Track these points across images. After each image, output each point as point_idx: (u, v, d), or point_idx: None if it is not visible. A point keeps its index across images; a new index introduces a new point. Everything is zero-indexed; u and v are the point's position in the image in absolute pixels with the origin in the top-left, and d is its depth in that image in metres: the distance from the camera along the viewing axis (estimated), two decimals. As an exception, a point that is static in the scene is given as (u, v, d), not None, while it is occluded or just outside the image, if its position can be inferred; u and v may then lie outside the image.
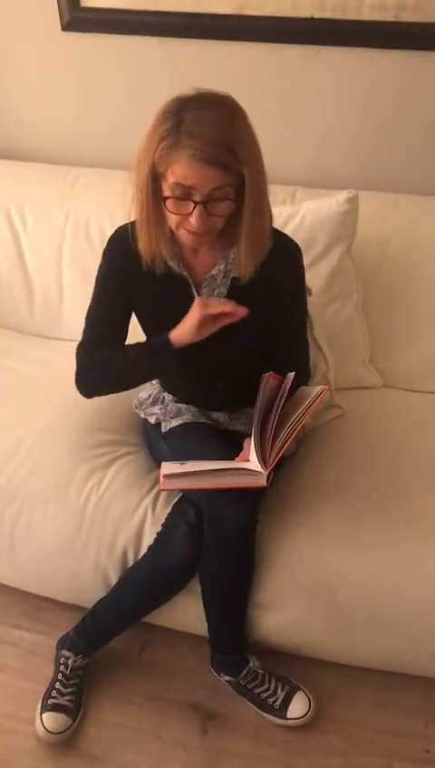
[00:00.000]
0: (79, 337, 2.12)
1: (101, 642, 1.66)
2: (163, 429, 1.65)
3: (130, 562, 1.61)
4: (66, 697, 1.60)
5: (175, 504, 1.56)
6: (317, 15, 1.85)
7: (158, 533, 1.55)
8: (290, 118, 1.99)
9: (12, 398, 1.87)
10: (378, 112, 1.96)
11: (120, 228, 1.52)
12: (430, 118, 1.94)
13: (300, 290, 1.57)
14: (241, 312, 1.39)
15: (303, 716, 1.59)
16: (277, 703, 1.59)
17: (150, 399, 1.72)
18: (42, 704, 1.59)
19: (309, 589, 1.54)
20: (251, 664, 1.62)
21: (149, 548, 1.56)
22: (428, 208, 1.93)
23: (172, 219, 1.35)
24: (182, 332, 1.43)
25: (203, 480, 1.42)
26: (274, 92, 1.93)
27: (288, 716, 1.58)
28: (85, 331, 1.58)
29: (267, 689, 1.60)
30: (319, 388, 1.41)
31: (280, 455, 1.37)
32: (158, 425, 1.67)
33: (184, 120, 1.24)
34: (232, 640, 1.62)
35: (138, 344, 1.53)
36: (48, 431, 1.76)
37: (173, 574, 1.55)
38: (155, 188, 1.33)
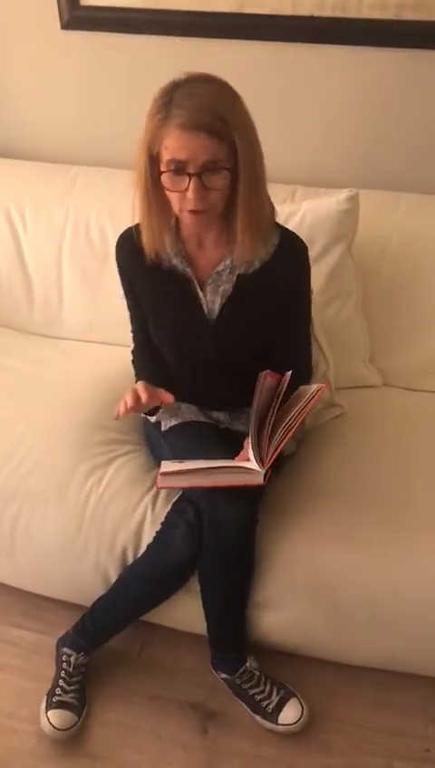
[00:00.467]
0: (79, 336, 2.15)
1: (101, 640, 1.66)
2: (163, 428, 1.65)
3: (130, 561, 1.61)
4: (70, 695, 1.60)
5: (174, 502, 1.56)
6: (317, 14, 1.85)
7: (157, 532, 1.55)
8: (290, 116, 1.99)
9: (11, 398, 1.87)
10: (378, 111, 1.96)
11: (122, 233, 1.55)
12: (431, 116, 1.93)
13: (305, 287, 1.57)
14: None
15: (294, 723, 1.57)
16: (270, 706, 1.58)
17: None
18: (46, 702, 1.59)
19: (309, 588, 1.54)
20: (248, 664, 1.61)
21: (149, 547, 1.56)
22: (428, 207, 1.93)
23: (174, 201, 1.35)
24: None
25: (200, 478, 1.42)
26: (274, 91, 1.93)
27: (279, 722, 1.57)
28: (133, 333, 1.67)
29: (262, 691, 1.59)
30: (316, 386, 1.41)
31: (277, 453, 1.36)
32: (158, 424, 1.67)
33: (174, 97, 1.27)
34: (231, 639, 1.62)
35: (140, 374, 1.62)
36: (48, 430, 1.76)
37: (172, 573, 1.55)
38: (154, 175, 1.34)
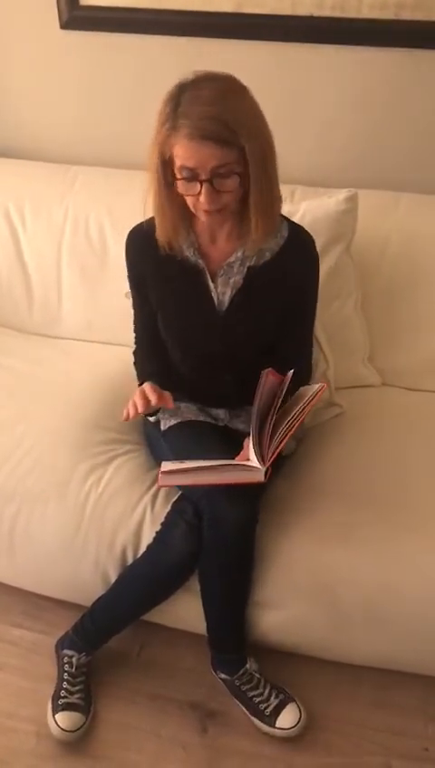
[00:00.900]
0: (78, 336, 2.15)
1: (102, 641, 1.66)
2: (162, 428, 1.65)
3: (130, 561, 1.61)
4: (76, 695, 1.60)
5: (174, 502, 1.56)
6: (317, 14, 1.85)
7: (157, 532, 1.55)
8: (289, 116, 1.99)
9: (11, 397, 1.87)
10: (378, 111, 1.96)
11: (131, 229, 1.57)
12: (430, 116, 1.94)
13: (314, 279, 1.58)
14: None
15: (291, 728, 1.56)
16: (268, 710, 1.58)
17: None
18: (52, 705, 1.59)
19: (308, 587, 1.54)
20: (248, 666, 1.61)
21: (148, 547, 1.56)
22: (427, 207, 1.93)
23: (189, 202, 1.38)
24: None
25: (201, 476, 1.42)
26: (273, 91, 1.92)
27: (277, 725, 1.57)
28: (135, 331, 1.69)
29: (260, 694, 1.59)
30: (317, 385, 1.41)
31: (278, 451, 1.37)
32: (157, 423, 1.68)
33: (181, 103, 1.29)
34: (231, 639, 1.62)
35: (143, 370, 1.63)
36: (47, 430, 1.76)
37: (172, 573, 1.55)
38: (166, 174, 1.36)
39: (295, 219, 1.80)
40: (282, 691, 1.61)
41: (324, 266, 1.83)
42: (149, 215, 1.47)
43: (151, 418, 1.67)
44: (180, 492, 1.57)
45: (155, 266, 1.52)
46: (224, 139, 1.27)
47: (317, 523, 1.57)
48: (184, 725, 1.62)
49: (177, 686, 1.69)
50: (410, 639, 1.55)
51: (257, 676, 1.61)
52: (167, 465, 1.45)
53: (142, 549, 1.58)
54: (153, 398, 1.44)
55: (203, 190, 1.32)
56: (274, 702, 1.59)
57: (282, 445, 1.37)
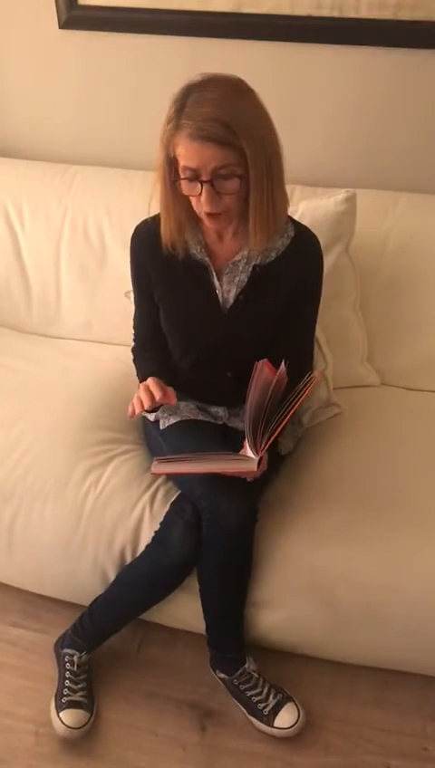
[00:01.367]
0: (77, 335, 2.15)
1: (101, 640, 1.66)
2: (161, 427, 1.65)
3: (128, 560, 1.61)
4: (79, 693, 1.60)
5: (173, 502, 1.56)
6: (315, 14, 1.86)
7: (156, 532, 1.55)
8: (288, 116, 1.97)
9: (10, 397, 1.87)
10: (376, 111, 1.96)
11: (137, 225, 1.57)
12: (429, 116, 1.94)
13: (318, 280, 1.59)
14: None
15: (289, 728, 1.56)
16: (267, 709, 1.58)
17: None
18: (56, 704, 1.59)
19: (307, 587, 1.54)
20: (247, 665, 1.61)
21: (147, 546, 1.56)
22: (426, 207, 1.93)
23: (193, 203, 1.39)
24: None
25: (194, 465, 1.42)
26: (271, 91, 1.91)
27: (275, 725, 1.57)
28: (134, 326, 1.69)
29: (259, 693, 1.59)
30: (310, 376, 1.42)
31: (270, 441, 1.37)
32: (156, 422, 1.68)
33: (186, 104, 1.29)
34: (230, 639, 1.62)
35: (146, 367, 1.63)
36: (46, 429, 1.76)
37: (171, 572, 1.55)
38: (170, 173, 1.37)
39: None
40: (280, 691, 1.61)
41: (323, 266, 1.83)
42: (154, 212, 1.48)
43: (151, 416, 1.68)
44: (179, 491, 1.57)
45: (160, 262, 1.53)
46: (225, 141, 1.28)
47: (316, 522, 1.57)
48: (182, 724, 1.62)
49: (175, 684, 1.69)
50: (409, 639, 1.55)
51: (256, 675, 1.61)
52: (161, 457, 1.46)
53: (141, 548, 1.58)
54: (157, 394, 1.45)
55: (203, 191, 1.33)
56: (272, 702, 1.59)
57: (276, 434, 1.37)
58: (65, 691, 1.59)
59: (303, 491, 1.64)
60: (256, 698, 1.59)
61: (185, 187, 1.36)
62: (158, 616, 1.67)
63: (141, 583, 1.59)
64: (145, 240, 1.55)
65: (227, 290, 1.53)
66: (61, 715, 1.57)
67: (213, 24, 1.93)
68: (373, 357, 1.96)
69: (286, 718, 1.57)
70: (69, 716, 1.56)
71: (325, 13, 1.85)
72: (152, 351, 1.66)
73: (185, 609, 1.63)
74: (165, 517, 1.55)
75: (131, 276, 1.62)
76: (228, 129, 1.27)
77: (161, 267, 1.54)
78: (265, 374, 1.41)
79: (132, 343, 1.71)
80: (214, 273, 1.52)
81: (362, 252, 1.88)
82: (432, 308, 1.91)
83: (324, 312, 1.81)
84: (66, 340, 2.14)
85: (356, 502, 1.60)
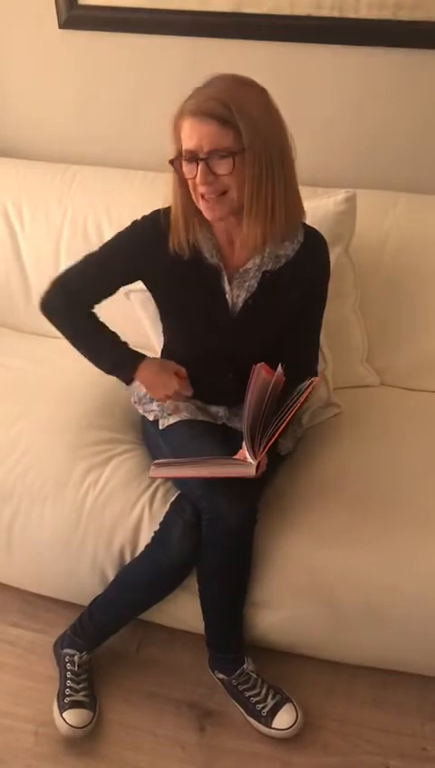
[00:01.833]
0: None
1: (100, 639, 1.66)
2: (161, 426, 1.65)
3: (128, 560, 1.61)
4: (81, 693, 1.60)
5: (173, 502, 1.56)
6: (315, 13, 1.86)
7: (155, 532, 1.55)
8: (287, 116, 1.97)
9: (9, 396, 1.87)
10: (376, 111, 1.96)
11: (151, 212, 1.55)
12: (429, 116, 1.94)
13: (326, 284, 1.59)
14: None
15: (287, 729, 1.56)
16: (265, 710, 1.58)
17: (149, 395, 1.72)
18: (58, 704, 1.59)
19: (306, 587, 1.54)
20: (246, 666, 1.61)
21: (147, 546, 1.56)
22: (426, 207, 1.93)
23: (191, 190, 1.39)
24: (149, 377, 1.58)
25: (193, 469, 1.42)
26: (271, 90, 1.91)
27: (273, 726, 1.56)
28: (74, 272, 1.62)
29: (257, 694, 1.59)
30: (309, 380, 1.42)
31: (269, 445, 1.37)
32: (156, 422, 1.68)
33: (193, 92, 1.33)
34: (229, 639, 1.62)
35: (112, 343, 1.61)
36: (45, 429, 1.76)
37: (170, 573, 1.55)
38: (179, 168, 1.38)
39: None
40: (279, 691, 1.61)
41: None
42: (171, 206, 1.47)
43: (150, 416, 1.67)
44: (179, 491, 1.57)
45: (165, 261, 1.50)
46: (221, 118, 1.29)
47: (316, 522, 1.57)
48: (181, 725, 1.62)
49: (174, 685, 1.69)
50: (409, 639, 1.55)
51: (255, 676, 1.61)
52: (161, 460, 1.46)
53: (140, 548, 1.58)
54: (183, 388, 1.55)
55: (199, 170, 1.33)
56: (271, 702, 1.58)
57: (274, 438, 1.37)
58: (67, 691, 1.59)
59: (302, 491, 1.64)
60: (255, 699, 1.59)
61: (185, 169, 1.36)
62: (157, 616, 1.68)
63: (141, 583, 1.59)
64: (155, 234, 1.50)
65: (237, 294, 1.53)
66: (64, 715, 1.57)
67: (213, 24, 1.93)
68: (373, 357, 1.96)
69: (285, 719, 1.57)
70: (72, 716, 1.56)
71: (325, 13, 1.85)
72: (90, 314, 1.63)
73: (184, 609, 1.63)
74: (165, 517, 1.55)
75: (112, 245, 1.57)
76: (225, 106, 1.29)
77: (166, 266, 1.52)
78: (262, 377, 1.41)
79: (49, 289, 1.65)
80: (226, 278, 1.51)
81: (362, 252, 1.88)
82: (432, 308, 1.91)
83: (324, 311, 1.81)
84: (65, 339, 2.14)
85: (356, 502, 1.60)
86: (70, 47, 2.08)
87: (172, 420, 1.64)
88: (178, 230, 1.46)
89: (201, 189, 1.36)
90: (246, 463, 1.38)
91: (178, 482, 1.57)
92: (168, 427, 1.64)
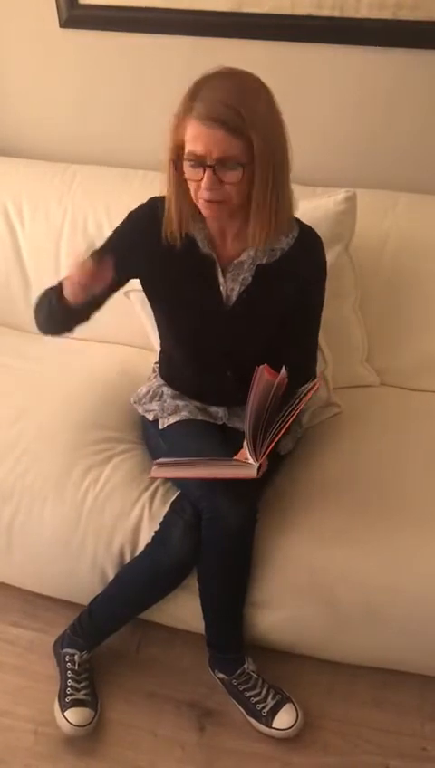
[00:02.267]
0: (76, 335, 2.12)
1: (99, 639, 1.66)
2: (160, 426, 1.65)
3: (127, 559, 1.61)
4: (83, 692, 1.60)
5: (173, 502, 1.56)
6: (316, 13, 1.85)
7: (155, 532, 1.55)
8: (288, 116, 1.97)
9: (9, 396, 1.87)
10: (376, 110, 1.96)
11: (148, 201, 1.54)
12: (429, 115, 1.94)
13: (321, 282, 1.59)
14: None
15: (288, 729, 1.56)
16: (265, 710, 1.58)
17: (149, 394, 1.73)
18: (60, 704, 1.59)
19: (306, 587, 1.54)
20: (246, 665, 1.61)
21: (147, 546, 1.56)
22: (426, 207, 1.93)
23: (192, 189, 1.38)
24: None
25: (194, 469, 1.42)
26: (272, 90, 1.94)
27: (273, 725, 1.57)
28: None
29: (258, 694, 1.59)
30: (311, 382, 1.42)
31: (271, 447, 1.37)
32: (156, 421, 1.68)
33: (201, 90, 1.30)
34: (229, 639, 1.62)
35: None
36: (45, 428, 1.76)
37: (171, 572, 1.55)
38: (178, 162, 1.37)
39: (294, 219, 1.82)
40: (279, 691, 1.61)
41: (324, 266, 1.84)
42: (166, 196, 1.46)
43: (150, 416, 1.67)
44: (179, 491, 1.57)
45: (159, 252, 1.50)
46: (233, 127, 1.28)
47: (315, 522, 1.57)
48: (181, 724, 1.62)
49: (174, 684, 1.69)
50: (409, 639, 1.55)
51: (255, 676, 1.61)
52: (162, 459, 1.46)
53: (140, 548, 1.58)
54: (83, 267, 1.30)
55: (205, 176, 1.32)
56: (271, 702, 1.58)
57: (275, 440, 1.37)
58: (68, 690, 1.59)
59: (302, 491, 1.64)
60: (255, 699, 1.59)
61: (188, 171, 1.35)
62: (157, 615, 1.67)
63: (141, 583, 1.59)
64: (149, 222, 1.50)
65: (231, 287, 1.52)
66: (66, 714, 1.56)
67: (214, 24, 1.93)
68: (373, 357, 1.96)
69: (285, 719, 1.57)
70: (74, 715, 1.56)
71: (326, 12, 1.85)
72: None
73: (184, 609, 1.63)
74: (165, 517, 1.55)
75: (109, 240, 1.54)
76: (239, 115, 1.27)
77: (160, 258, 1.51)
78: (265, 378, 1.41)
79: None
80: (220, 269, 1.51)
81: (362, 252, 1.88)
82: (432, 308, 1.91)
83: (324, 311, 1.82)
84: (65, 339, 2.13)
85: (356, 502, 1.60)
86: (70, 46, 2.08)
87: (172, 420, 1.64)
88: (171, 221, 1.45)
89: (205, 195, 1.35)
90: (248, 464, 1.38)
91: (178, 482, 1.57)
92: (167, 426, 1.64)
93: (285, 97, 1.99)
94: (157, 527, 1.55)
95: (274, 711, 1.58)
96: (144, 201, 1.53)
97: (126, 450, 1.73)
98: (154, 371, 1.78)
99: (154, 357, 1.80)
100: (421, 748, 1.58)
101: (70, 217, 2.05)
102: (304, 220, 1.71)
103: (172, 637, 1.74)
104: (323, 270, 1.58)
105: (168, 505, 1.57)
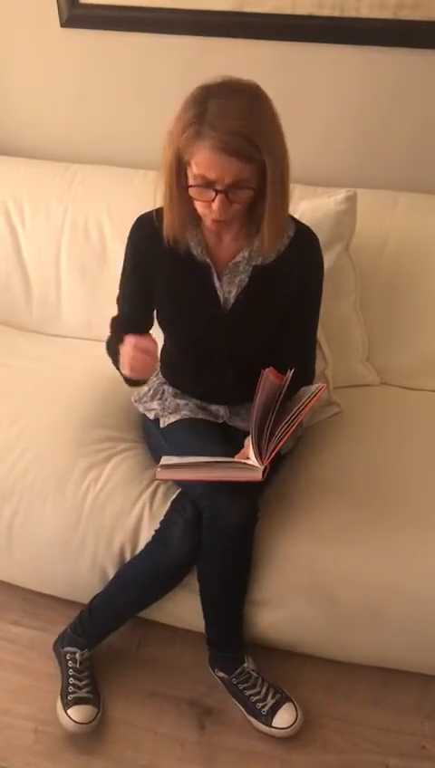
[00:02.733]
0: (77, 334, 2.15)
1: (100, 637, 1.66)
2: (161, 425, 1.65)
3: (128, 558, 1.61)
4: (85, 690, 1.60)
5: (173, 501, 1.56)
6: (316, 13, 1.86)
7: (156, 530, 1.55)
8: (289, 115, 1.97)
9: (10, 395, 1.87)
10: (377, 110, 1.96)
11: (141, 215, 1.56)
12: (429, 115, 1.94)
13: (319, 279, 1.59)
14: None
15: (287, 728, 1.56)
16: (265, 709, 1.58)
17: (150, 393, 1.73)
18: (62, 702, 1.59)
19: (307, 586, 1.54)
20: (246, 664, 1.62)
21: (147, 544, 1.56)
22: (426, 206, 1.94)
23: (198, 207, 1.39)
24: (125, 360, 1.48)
25: (199, 472, 1.42)
26: (272, 90, 1.92)
27: (273, 725, 1.57)
28: (119, 307, 1.67)
29: (258, 693, 1.59)
30: (316, 385, 1.42)
31: (276, 450, 1.37)
32: (156, 420, 1.68)
33: (207, 110, 1.28)
34: (229, 638, 1.63)
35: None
36: (46, 427, 1.76)
37: (171, 571, 1.55)
38: (179, 174, 1.37)
39: (295, 219, 1.82)
40: (279, 690, 1.61)
41: (324, 266, 1.84)
42: (161, 206, 1.47)
43: (151, 414, 1.68)
44: (179, 490, 1.57)
45: (162, 258, 1.52)
46: (248, 155, 1.28)
47: (316, 521, 1.57)
48: (181, 723, 1.62)
49: (174, 683, 1.69)
50: (409, 638, 1.55)
51: (255, 675, 1.62)
52: (166, 459, 1.45)
53: (140, 547, 1.59)
54: (148, 344, 1.43)
55: (217, 200, 1.33)
56: (270, 701, 1.59)
57: (281, 443, 1.37)
58: (70, 688, 1.60)
59: (303, 490, 1.64)
60: (255, 698, 1.59)
61: (196, 193, 1.35)
62: (157, 614, 1.68)
63: (141, 581, 1.59)
64: (148, 234, 1.52)
65: (228, 290, 1.53)
66: (69, 712, 1.57)
67: (215, 23, 1.93)
68: (373, 356, 1.97)
69: (284, 718, 1.57)
70: (77, 712, 1.57)
71: (326, 12, 1.85)
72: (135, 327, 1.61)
73: (184, 608, 1.63)
74: (165, 516, 1.55)
75: (126, 262, 1.59)
76: (252, 144, 1.27)
77: (162, 263, 1.53)
78: (270, 381, 1.41)
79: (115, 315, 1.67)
80: (215, 274, 1.52)
81: (362, 252, 1.88)
82: (432, 308, 1.91)
83: (324, 311, 1.82)
84: (66, 338, 2.14)
85: (356, 501, 1.60)
86: (71, 46, 2.08)
87: (173, 419, 1.64)
88: (173, 230, 1.46)
89: (216, 216, 1.36)
90: (253, 467, 1.38)
91: (180, 481, 1.58)
92: (168, 425, 1.64)
93: (285, 97, 1.99)
94: (157, 526, 1.56)
95: (273, 710, 1.58)
96: (146, 206, 1.53)
97: (126, 449, 1.73)
98: (155, 370, 1.78)
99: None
100: (421, 747, 1.58)
101: (70, 217, 2.05)
102: (305, 220, 1.71)
103: (172, 635, 1.74)
104: (320, 268, 1.58)
105: (168, 504, 1.57)
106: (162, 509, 1.57)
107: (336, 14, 1.84)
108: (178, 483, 1.59)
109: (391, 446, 1.75)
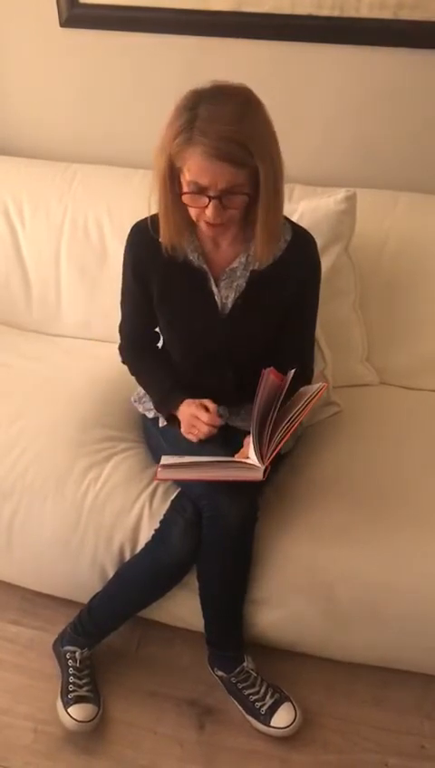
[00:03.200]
0: (77, 334, 2.15)
1: (99, 637, 1.66)
2: (161, 424, 1.65)
3: (127, 558, 1.61)
4: (85, 688, 1.60)
5: (173, 500, 1.57)
6: (316, 13, 1.86)
7: (156, 530, 1.56)
8: (288, 115, 1.97)
9: (10, 394, 1.87)
10: (376, 110, 1.96)
11: (138, 222, 1.55)
12: (429, 115, 1.94)
13: (316, 281, 1.59)
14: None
15: (286, 727, 1.56)
16: (264, 708, 1.58)
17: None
18: (62, 701, 1.59)
19: (306, 585, 1.54)
20: (245, 664, 1.61)
21: (147, 544, 1.56)
22: (426, 206, 1.94)
23: (192, 212, 1.38)
24: (184, 418, 1.53)
25: (200, 472, 1.42)
26: (272, 90, 1.92)
27: (272, 724, 1.57)
28: (122, 322, 1.68)
29: (256, 692, 1.59)
30: (317, 385, 1.42)
31: (277, 450, 1.37)
32: (156, 419, 1.68)
33: (198, 116, 1.27)
34: (229, 637, 1.63)
35: (160, 383, 1.62)
36: (46, 427, 1.76)
37: (170, 571, 1.55)
38: (173, 181, 1.36)
39: (294, 219, 1.81)
40: (278, 690, 1.61)
41: (323, 266, 1.83)
42: (154, 211, 1.47)
43: (150, 414, 1.68)
44: (179, 489, 1.57)
45: (159, 265, 1.52)
46: (240, 161, 1.27)
47: (315, 521, 1.57)
48: (181, 722, 1.62)
49: (174, 682, 1.69)
50: (408, 638, 1.55)
51: (254, 674, 1.62)
52: (166, 459, 1.45)
53: (140, 546, 1.59)
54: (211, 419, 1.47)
55: (210, 206, 1.32)
56: (269, 701, 1.59)
57: (282, 443, 1.37)
58: (71, 687, 1.60)
59: (302, 489, 1.64)
60: (254, 697, 1.59)
61: (189, 199, 1.35)
62: (157, 613, 1.68)
63: (140, 581, 1.59)
64: (144, 241, 1.52)
65: (226, 295, 1.52)
66: (69, 710, 1.57)
67: (214, 23, 1.93)
68: (373, 356, 1.97)
69: (283, 718, 1.57)
70: (78, 711, 1.56)
71: (326, 12, 1.85)
72: (149, 354, 1.67)
73: (184, 607, 1.63)
74: (165, 515, 1.55)
75: (125, 275, 1.60)
76: (245, 149, 1.26)
77: (160, 271, 1.53)
78: (271, 381, 1.41)
79: (120, 342, 1.70)
80: (212, 280, 1.51)
81: (362, 252, 1.89)
82: (432, 308, 1.91)
83: (324, 311, 1.82)
84: (66, 338, 2.14)
85: (356, 500, 1.60)
86: (71, 46, 2.08)
87: (173, 419, 1.64)
88: (170, 236, 1.45)
89: (210, 220, 1.36)
90: (254, 467, 1.38)
91: (180, 480, 1.58)
92: (168, 425, 1.64)
93: (285, 97, 2.00)
94: (157, 525, 1.56)
95: (272, 710, 1.58)
96: (146, 206, 1.53)
97: (126, 449, 1.73)
98: None
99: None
100: (420, 746, 1.58)
101: (70, 216, 2.05)
102: (305, 219, 1.72)
103: (172, 635, 1.74)
104: (317, 270, 1.58)
105: (168, 504, 1.57)
106: (162, 508, 1.57)
107: (336, 14, 1.85)
108: (177, 482, 1.59)
109: (391, 445, 1.75)
